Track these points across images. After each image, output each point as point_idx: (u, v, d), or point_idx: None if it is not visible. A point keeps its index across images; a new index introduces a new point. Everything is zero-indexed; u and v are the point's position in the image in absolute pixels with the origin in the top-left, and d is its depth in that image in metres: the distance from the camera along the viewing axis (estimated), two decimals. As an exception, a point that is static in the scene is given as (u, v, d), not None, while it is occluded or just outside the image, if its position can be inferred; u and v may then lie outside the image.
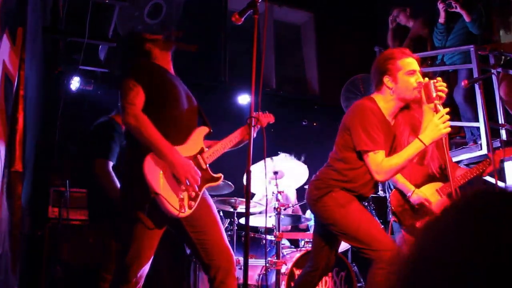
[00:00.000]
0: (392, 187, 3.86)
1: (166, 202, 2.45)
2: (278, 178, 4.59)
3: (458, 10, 5.39)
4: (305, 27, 7.71)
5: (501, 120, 5.05)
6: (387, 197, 4.93)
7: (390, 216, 4.70)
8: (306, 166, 4.84)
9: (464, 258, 0.53)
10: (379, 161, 2.63)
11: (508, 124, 5.03)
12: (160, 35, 2.85)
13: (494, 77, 5.12)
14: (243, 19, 2.63)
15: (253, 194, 5.26)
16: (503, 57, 5.37)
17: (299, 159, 5.11)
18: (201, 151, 2.71)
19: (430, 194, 3.60)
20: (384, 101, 2.79)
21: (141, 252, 2.53)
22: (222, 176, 2.77)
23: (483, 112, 4.82)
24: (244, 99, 6.22)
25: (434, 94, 2.63)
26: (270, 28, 7.16)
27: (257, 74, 2.52)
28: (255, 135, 2.89)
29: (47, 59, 4.75)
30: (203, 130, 2.78)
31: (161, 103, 2.62)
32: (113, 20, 4.68)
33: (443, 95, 2.67)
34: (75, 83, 5.12)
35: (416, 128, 2.73)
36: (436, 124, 2.58)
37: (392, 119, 2.83)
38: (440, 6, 5.52)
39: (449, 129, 2.60)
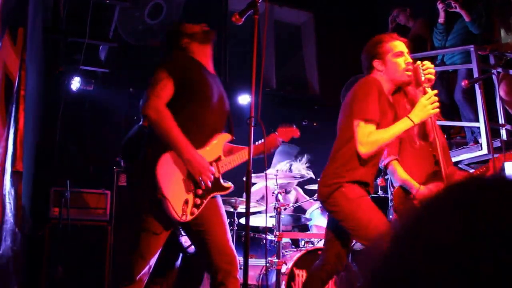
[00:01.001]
0: (394, 185, 3.86)
1: (170, 206, 2.46)
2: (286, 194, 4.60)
3: (458, 10, 5.38)
4: (305, 27, 7.71)
5: (501, 120, 5.05)
6: (388, 197, 4.95)
7: (392, 213, 4.74)
8: (306, 166, 4.83)
9: (440, 245, 0.53)
10: (366, 132, 2.65)
11: (508, 124, 5.03)
12: (198, 28, 2.79)
13: (494, 77, 5.12)
14: (243, 19, 2.63)
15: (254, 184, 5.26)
16: (504, 57, 5.37)
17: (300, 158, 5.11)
18: (218, 159, 2.69)
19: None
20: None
21: (147, 251, 2.54)
22: (233, 187, 2.74)
23: (483, 112, 4.82)
24: (244, 99, 6.22)
25: (422, 78, 2.70)
26: (270, 28, 7.16)
27: (257, 74, 2.52)
28: (272, 150, 2.92)
29: (48, 59, 4.76)
30: (225, 137, 2.75)
31: (190, 100, 2.59)
32: (113, 21, 4.69)
33: (432, 77, 2.73)
34: (75, 83, 5.12)
35: (399, 114, 2.80)
36: (424, 104, 2.64)
37: (390, 98, 2.88)
38: (440, 6, 5.51)
39: (437, 110, 2.65)
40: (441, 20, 5.65)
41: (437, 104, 2.66)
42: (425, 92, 2.69)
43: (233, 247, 2.66)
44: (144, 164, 2.56)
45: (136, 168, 2.70)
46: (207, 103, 2.64)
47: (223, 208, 2.73)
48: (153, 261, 2.60)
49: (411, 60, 2.79)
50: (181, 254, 3.62)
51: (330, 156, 2.90)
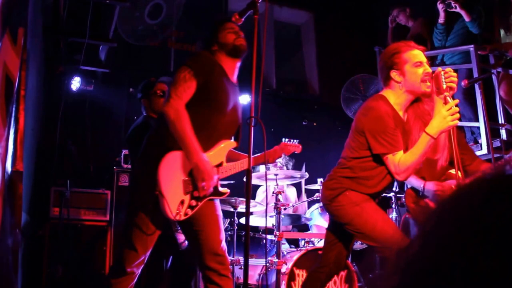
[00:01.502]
0: (398, 186, 3.89)
1: (165, 204, 2.49)
2: (278, 179, 4.60)
3: (458, 10, 5.38)
4: (305, 27, 7.71)
5: (501, 120, 5.05)
6: (390, 197, 4.96)
7: (396, 211, 4.77)
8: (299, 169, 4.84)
9: (460, 245, 0.54)
10: (396, 162, 2.62)
11: (508, 123, 5.03)
12: (231, 40, 2.78)
13: (494, 77, 5.12)
14: (243, 19, 2.64)
15: (257, 187, 5.27)
16: (503, 57, 5.37)
17: (289, 163, 5.12)
18: (220, 165, 2.72)
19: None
20: (395, 97, 2.76)
21: (140, 245, 2.57)
22: (229, 192, 2.77)
23: (483, 112, 4.82)
24: (244, 99, 6.22)
25: (444, 86, 2.56)
26: (270, 28, 7.16)
27: (257, 74, 2.52)
28: (274, 162, 2.94)
29: (48, 60, 4.77)
30: (231, 144, 2.78)
31: (206, 105, 2.62)
32: (113, 21, 4.69)
33: (454, 85, 2.60)
34: (75, 83, 5.12)
35: (427, 122, 2.67)
36: (443, 115, 2.52)
37: (404, 113, 2.80)
38: (440, 6, 5.52)
39: (457, 122, 2.52)
40: (441, 20, 5.65)
41: (458, 115, 2.53)
42: (446, 101, 2.55)
43: (225, 248, 2.69)
44: (147, 161, 2.59)
45: (138, 163, 2.71)
46: (221, 111, 2.67)
47: (219, 209, 2.76)
48: (145, 255, 2.62)
49: (430, 70, 2.68)
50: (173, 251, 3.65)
51: (339, 161, 2.88)
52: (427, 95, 2.70)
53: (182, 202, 2.56)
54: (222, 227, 2.73)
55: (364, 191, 2.75)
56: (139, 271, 2.65)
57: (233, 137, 2.84)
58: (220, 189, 2.73)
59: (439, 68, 2.66)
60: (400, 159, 2.61)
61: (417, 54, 2.73)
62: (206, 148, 2.61)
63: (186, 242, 4.03)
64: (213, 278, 2.59)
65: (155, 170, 2.49)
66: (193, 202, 2.59)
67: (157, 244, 2.69)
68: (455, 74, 2.63)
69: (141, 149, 2.71)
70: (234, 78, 2.84)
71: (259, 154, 2.98)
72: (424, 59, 2.73)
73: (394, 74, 2.72)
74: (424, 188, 3.63)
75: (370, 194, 2.77)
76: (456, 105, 2.56)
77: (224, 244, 2.69)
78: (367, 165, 2.74)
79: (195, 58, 2.72)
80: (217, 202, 2.76)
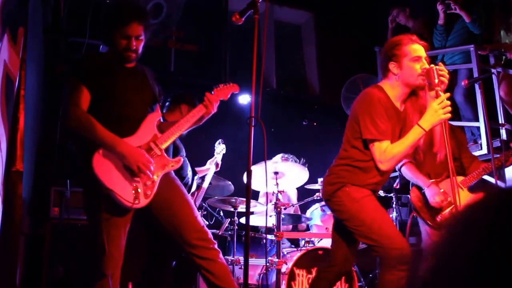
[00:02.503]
0: (400, 185, 3.91)
1: (118, 196, 2.49)
2: (279, 178, 4.60)
3: (458, 11, 5.39)
4: (305, 27, 7.71)
5: (501, 120, 5.05)
6: (392, 197, 4.96)
7: (397, 210, 4.78)
8: (305, 167, 4.83)
9: (493, 254, 0.55)
10: (382, 150, 2.64)
11: (508, 123, 5.03)
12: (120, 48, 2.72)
13: (494, 77, 5.12)
14: (243, 19, 2.64)
15: (257, 192, 5.27)
16: (504, 57, 5.37)
17: (298, 160, 5.12)
18: (155, 138, 2.69)
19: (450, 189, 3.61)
20: (391, 88, 2.78)
21: (109, 244, 2.54)
22: (182, 159, 2.75)
23: (483, 112, 4.82)
24: (244, 99, 6.22)
25: (436, 80, 2.60)
26: (270, 28, 7.16)
27: (257, 74, 2.52)
28: (215, 109, 2.83)
29: (48, 59, 4.76)
30: (154, 117, 2.74)
31: (104, 98, 2.63)
32: (113, 20, 4.68)
33: (445, 80, 2.64)
34: (75, 83, 5.10)
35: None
36: (435, 109, 2.56)
37: (401, 105, 2.82)
38: (440, 7, 5.52)
39: (449, 115, 2.56)
40: (441, 21, 5.65)
41: (449, 108, 2.57)
42: (437, 96, 2.59)
43: (202, 222, 2.66)
44: (83, 168, 2.58)
45: (77, 175, 2.72)
46: (121, 96, 2.65)
47: (182, 187, 2.73)
48: (118, 253, 2.59)
49: (428, 66, 2.70)
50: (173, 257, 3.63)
51: (338, 155, 2.89)
52: (421, 88, 2.73)
53: (136, 188, 2.53)
54: (192, 203, 2.70)
55: (363, 182, 2.75)
56: (119, 270, 2.61)
57: (150, 112, 2.78)
58: (170, 158, 2.71)
59: (432, 65, 2.70)
60: (387, 147, 2.63)
61: (418, 49, 2.74)
62: (128, 134, 2.60)
63: None
64: (201, 254, 2.56)
65: (93, 175, 2.48)
66: (147, 182, 2.57)
67: (161, 249, 2.67)
68: (446, 70, 2.67)
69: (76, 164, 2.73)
70: (129, 63, 2.77)
71: (193, 109, 2.84)
72: (423, 55, 2.74)
73: (392, 66, 2.75)
74: (426, 192, 3.65)
75: (369, 185, 2.77)
76: (448, 99, 2.59)
77: (200, 219, 2.66)
78: (363, 157, 2.74)
79: (77, 63, 2.74)
80: (178, 182, 2.73)
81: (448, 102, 2.57)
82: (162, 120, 2.86)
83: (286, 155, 5.12)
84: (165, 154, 2.70)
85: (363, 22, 7.42)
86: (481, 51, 5.25)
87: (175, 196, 2.66)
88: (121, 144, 2.54)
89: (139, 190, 2.54)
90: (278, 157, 5.05)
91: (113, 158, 2.54)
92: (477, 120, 5.10)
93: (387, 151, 2.64)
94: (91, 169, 2.49)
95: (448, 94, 2.61)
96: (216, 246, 2.63)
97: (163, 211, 2.62)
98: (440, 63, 2.72)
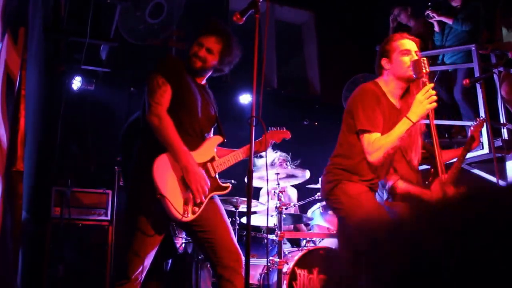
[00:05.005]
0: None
1: (170, 205, 2.48)
2: (279, 178, 4.60)
3: (437, 19, 5.53)
4: (306, 26, 7.71)
5: (502, 119, 5.04)
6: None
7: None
8: (300, 168, 4.83)
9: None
10: (371, 141, 2.64)
11: (509, 123, 5.02)
12: (191, 52, 2.81)
13: (495, 76, 5.11)
14: (244, 18, 2.63)
15: (260, 188, 5.26)
16: (505, 56, 5.36)
17: (294, 162, 5.11)
18: (212, 160, 2.74)
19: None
20: (385, 84, 2.81)
21: (143, 250, 2.55)
22: (231, 186, 2.79)
23: (484, 111, 4.81)
24: (245, 98, 6.22)
25: (424, 70, 2.58)
26: (271, 28, 7.15)
27: (258, 73, 2.52)
28: (269, 148, 2.96)
29: (49, 59, 4.76)
30: (217, 139, 2.82)
31: (179, 107, 2.64)
32: (114, 20, 4.69)
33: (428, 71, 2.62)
34: (76, 82, 5.13)
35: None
36: (420, 100, 2.55)
37: (397, 101, 2.83)
38: (430, 16, 5.64)
39: (434, 104, 2.54)
40: (436, 29, 5.77)
41: (435, 97, 2.54)
42: (423, 86, 2.58)
43: (237, 245, 2.70)
44: (140, 166, 2.59)
45: (132, 170, 2.71)
46: (192, 111, 2.69)
47: (222, 207, 2.77)
48: (148, 260, 2.61)
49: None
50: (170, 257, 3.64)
51: (333, 153, 2.90)
52: (411, 80, 2.74)
53: (186, 201, 2.55)
54: (230, 225, 2.75)
55: (358, 178, 2.74)
56: (142, 277, 2.62)
57: (217, 133, 2.86)
58: (222, 183, 2.75)
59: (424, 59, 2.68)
60: (375, 139, 2.64)
61: (406, 43, 2.78)
62: (191, 148, 2.62)
63: (183, 246, 4.03)
64: (230, 278, 2.59)
65: (150, 176, 2.48)
66: (197, 200, 2.59)
67: (157, 248, 2.68)
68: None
69: (133, 159, 2.71)
70: (201, 79, 2.86)
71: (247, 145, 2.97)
72: (413, 48, 2.77)
73: (384, 61, 2.80)
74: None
75: (365, 181, 2.76)
76: (433, 89, 2.57)
77: (235, 241, 2.70)
78: (357, 151, 2.74)
79: (163, 63, 2.74)
80: (218, 201, 2.77)
81: (433, 92, 2.55)
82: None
83: (283, 156, 5.10)
84: (218, 178, 2.74)
85: (364, 21, 7.41)
86: (482, 51, 5.24)
87: (216, 217, 2.69)
88: (190, 158, 2.55)
89: (189, 205, 2.56)
90: (276, 156, 5.05)
91: (175, 167, 2.55)
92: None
93: (375, 142, 2.64)
94: (151, 171, 2.48)
95: (432, 85, 2.58)
96: (243, 272, 2.63)
97: (203, 229, 2.64)
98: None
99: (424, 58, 2.63)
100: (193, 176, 2.53)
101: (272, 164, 4.84)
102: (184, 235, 4.17)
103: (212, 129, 2.88)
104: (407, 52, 2.75)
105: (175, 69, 2.71)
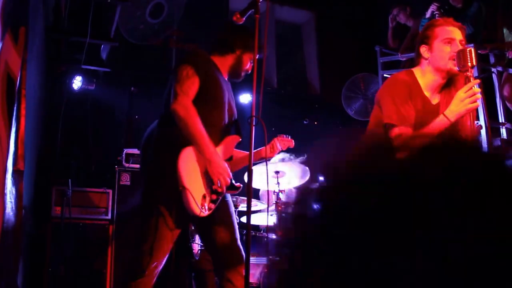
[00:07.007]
0: None
1: (191, 198, 2.45)
2: (280, 177, 4.60)
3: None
4: (306, 26, 7.71)
5: (501, 118, 5.05)
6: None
7: None
8: (305, 166, 4.83)
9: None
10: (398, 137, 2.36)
11: (508, 122, 5.03)
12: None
13: (494, 76, 5.11)
14: (244, 18, 2.64)
15: (257, 191, 5.26)
16: (505, 56, 5.36)
17: (299, 159, 5.11)
18: (230, 159, 2.76)
19: None
20: (422, 74, 2.51)
21: (159, 246, 2.52)
22: (242, 186, 2.77)
23: (483, 110, 4.82)
24: (245, 98, 6.22)
25: (469, 63, 2.27)
26: (271, 28, 7.16)
27: (258, 73, 2.53)
28: (274, 155, 3.01)
29: (50, 59, 4.77)
30: (236, 139, 2.82)
31: (206, 101, 2.63)
32: (115, 20, 4.69)
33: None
34: (77, 82, 5.13)
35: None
36: (461, 97, 2.26)
37: (433, 95, 2.53)
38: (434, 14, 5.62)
39: (476, 104, 2.26)
40: None
41: (479, 96, 2.25)
42: (467, 82, 2.29)
43: (241, 246, 2.70)
44: (159, 160, 2.57)
45: (152, 165, 2.64)
46: (220, 107, 2.69)
47: (232, 207, 2.79)
48: (163, 257, 2.58)
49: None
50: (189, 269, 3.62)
51: None
52: (453, 73, 2.45)
53: (204, 197, 2.55)
54: (236, 225, 2.76)
55: None
56: (158, 271, 2.59)
57: (233, 132, 2.88)
58: (234, 183, 2.73)
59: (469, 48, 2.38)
60: (404, 136, 2.33)
61: (451, 30, 2.46)
62: (215, 143, 2.63)
63: (199, 252, 4.04)
64: (232, 280, 2.60)
65: (173, 169, 2.46)
66: (214, 196, 2.60)
67: (172, 256, 2.69)
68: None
69: (151, 150, 2.67)
70: (226, 75, 2.88)
71: (258, 149, 2.99)
72: (458, 37, 2.45)
73: (423, 49, 2.50)
74: None
75: None
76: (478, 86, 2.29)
77: (239, 242, 2.71)
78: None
79: (193, 55, 2.74)
80: (230, 200, 2.78)
81: (478, 90, 2.26)
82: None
83: (286, 156, 5.11)
84: (232, 178, 2.74)
85: (364, 21, 7.42)
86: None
87: (226, 218, 2.70)
88: (215, 152, 2.55)
89: (206, 201, 2.56)
90: (278, 157, 5.06)
91: (199, 160, 2.54)
92: (477, 119, 5.09)
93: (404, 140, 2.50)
94: (175, 162, 2.46)
95: (478, 81, 2.29)
96: (243, 272, 2.60)
97: (213, 228, 2.65)
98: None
99: (471, 49, 2.31)
100: (217, 167, 2.52)
101: (283, 160, 4.85)
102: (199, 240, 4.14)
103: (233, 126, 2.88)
104: (451, 40, 2.42)
105: (204, 63, 2.70)
